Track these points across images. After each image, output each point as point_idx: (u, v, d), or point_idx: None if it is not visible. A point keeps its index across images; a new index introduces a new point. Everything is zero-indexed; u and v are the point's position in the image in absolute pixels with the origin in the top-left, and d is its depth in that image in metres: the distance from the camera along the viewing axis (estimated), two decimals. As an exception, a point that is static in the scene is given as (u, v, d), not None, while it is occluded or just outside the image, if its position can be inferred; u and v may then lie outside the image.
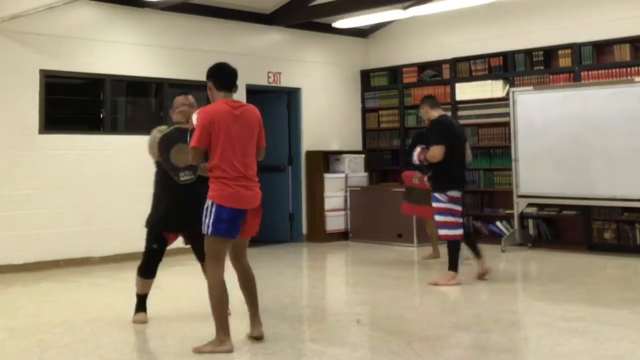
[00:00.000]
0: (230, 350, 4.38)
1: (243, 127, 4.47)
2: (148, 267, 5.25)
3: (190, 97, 5.39)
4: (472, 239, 6.97)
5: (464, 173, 6.97)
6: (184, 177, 5.00)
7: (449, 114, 10.13)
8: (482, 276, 6.78)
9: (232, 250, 4.58)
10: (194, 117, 4.61)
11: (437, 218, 6.67)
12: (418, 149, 6.82)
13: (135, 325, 5.17)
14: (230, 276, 4.58)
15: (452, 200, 6.60)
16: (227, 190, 4.35)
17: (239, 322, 4.93)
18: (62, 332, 5.02)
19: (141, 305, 5.30)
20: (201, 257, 5.16)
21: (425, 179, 7.03)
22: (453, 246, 6.62)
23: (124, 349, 4.62)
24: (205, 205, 4.38)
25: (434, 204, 6.66)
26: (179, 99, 5.35)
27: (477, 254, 6.79)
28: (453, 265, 6.60)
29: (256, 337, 4.64)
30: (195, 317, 5.33)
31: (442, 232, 6.68)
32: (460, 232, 6.62)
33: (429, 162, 6.61)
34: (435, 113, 6.81)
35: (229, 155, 4.38)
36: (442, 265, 7.29)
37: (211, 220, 4.34)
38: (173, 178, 5.03)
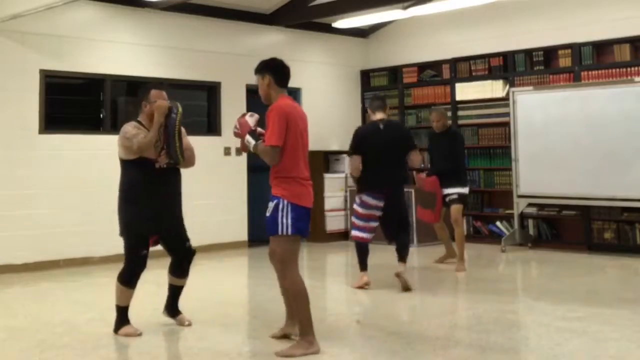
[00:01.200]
0: (318, 352, 4.28)
1: (304, 126, 4.43)
2: (135, 276, 4.93)
3: (164, 94, 5.06)
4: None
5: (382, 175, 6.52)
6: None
7: (449, 114, 10.17)
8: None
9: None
10: (249, 117, 4.43)
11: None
12: None
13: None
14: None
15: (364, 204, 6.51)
16: (300, 189, 4.30)
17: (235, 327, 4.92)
18: (62, 332, 5.02)
19: (125, 317, 4.94)
20: (185, 258, 5.06)
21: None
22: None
23: (124, 349, 4.62)
24: (279, 206, 4.25)
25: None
26: (156, 93, 5.00)
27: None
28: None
29: (290, 334, 4.61)
30: (195, 317, 5.33)
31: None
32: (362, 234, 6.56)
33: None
34: (373, 117, 6.75)
35: (300, 153, 4.33)
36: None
37: (289, 220, 4.23)
38: (152, 170, 4.87)
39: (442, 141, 7.63)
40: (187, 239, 5.08)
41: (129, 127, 4.93)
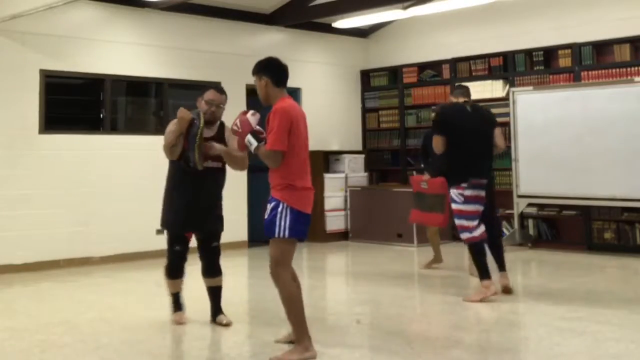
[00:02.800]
0: (315, 357, 4.20)
1: (305, 127, 4.35)
2: (174, 268, 5.11)
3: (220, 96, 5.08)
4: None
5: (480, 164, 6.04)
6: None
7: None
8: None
9: None
10: (251, 116, 4.30)
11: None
12: None
13: (135, 326, 5.16)
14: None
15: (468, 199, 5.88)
16: (302, 195, 4.23)
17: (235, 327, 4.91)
18: (62, 332, 5.02)
19: (177, 304, 5.20)
20: (206, 257, 5.11)
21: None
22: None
23: (124, 349, 4.62)
24: (278, 209, 4.18)
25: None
26: (210, 93, 5.04)
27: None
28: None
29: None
30: (196, 317, 5.33)
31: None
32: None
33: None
34: (452, 99, 6.32)
35: (304, 157, 4.27)
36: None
37: (287, 223, 4.16)
38: (187, 169, 4.91)
39: None
40: (216, 239, 5.10)
41: (169, 124, 5.05)
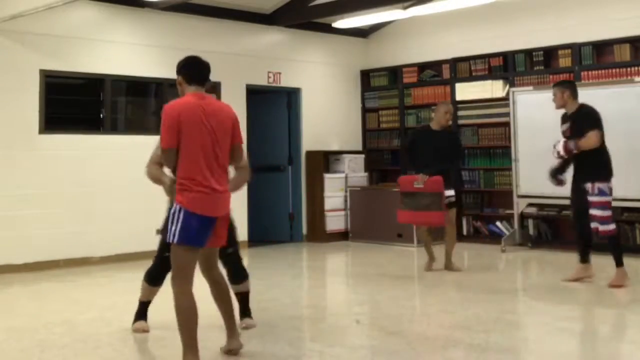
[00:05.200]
0: None
1: (215, 125, 4.02)
2: (157, 275, 4.90)
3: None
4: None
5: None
6: None
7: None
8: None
9: (202, 260, 4.20)
10: None
11: (598, 213, 6.27)
12: (561, 142, 6.41)
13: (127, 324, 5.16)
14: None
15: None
16: (197, 195, 3.92)
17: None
18: (62, 332, 5.02)
19: (143, 312, 5.02)
20: (225, 264, 4.92)
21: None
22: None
23: (124, 349, 4.62)
24: (172, 210, 3.97)
25: (597, 198, 6.25)
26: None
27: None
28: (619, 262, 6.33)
29: (234, 350, 4.34)
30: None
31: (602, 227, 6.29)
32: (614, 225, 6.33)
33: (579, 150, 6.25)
34: (575, 104, 6.49)
35: (200, 156, 3.95)
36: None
37: (178, 228, 3.89)
38: None
39: (441, 140, 7.24)
40: (230, 245, 4.74)
41: (154, 150, 4.88)
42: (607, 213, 6.26)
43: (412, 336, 4.79)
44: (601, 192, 6.23)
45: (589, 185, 6.26)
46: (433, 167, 7.12)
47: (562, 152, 6.38)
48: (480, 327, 5.05)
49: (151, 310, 5.37)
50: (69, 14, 8.14)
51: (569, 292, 6.26)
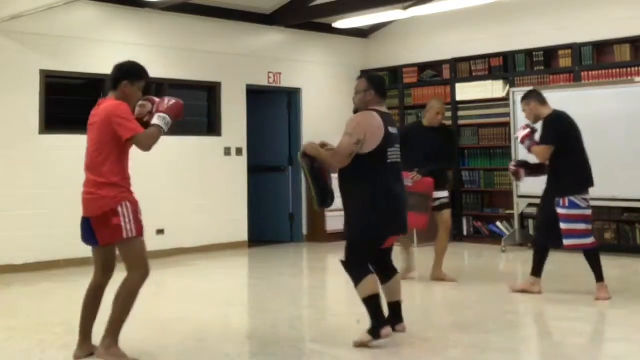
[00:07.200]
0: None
1: (89, 126, 4.43)
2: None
3: None
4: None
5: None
6: None
7: (448, 114, 10.18)
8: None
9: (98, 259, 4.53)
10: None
11: (569, 226, 5.88)
12: (526, 130, 6.07)
13: (134, 326, 5.14)
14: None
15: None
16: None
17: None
18: (62, 332, 5.02)
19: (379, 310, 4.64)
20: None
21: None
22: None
23: (124, 349, 4.61)
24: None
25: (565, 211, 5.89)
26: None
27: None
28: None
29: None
30: (194, 317, 5.33)
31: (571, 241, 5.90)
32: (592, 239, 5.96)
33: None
34: (546, 110, 6.11)
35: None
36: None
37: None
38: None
39: (434, 137, 6.77)
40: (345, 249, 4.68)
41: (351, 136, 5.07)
42: (582, 226, 5.88)
43: (412, 336, 4.78)
44: (572, 205, 5.88)
45: (558, 199, 5.93)
46: (424, 166, 6.63)
47: (518, 136, 6.15)
48: (480, 327, 5.05)
49: (151, 311, 5.36)
50: (69, 14, 8.14)
51: (569, 292, 6.26)
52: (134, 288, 4.31)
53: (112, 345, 4.21)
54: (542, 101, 6.13)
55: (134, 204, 4.30)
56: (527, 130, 6.07)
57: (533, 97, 6.15)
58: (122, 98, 4.31)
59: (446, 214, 6.92)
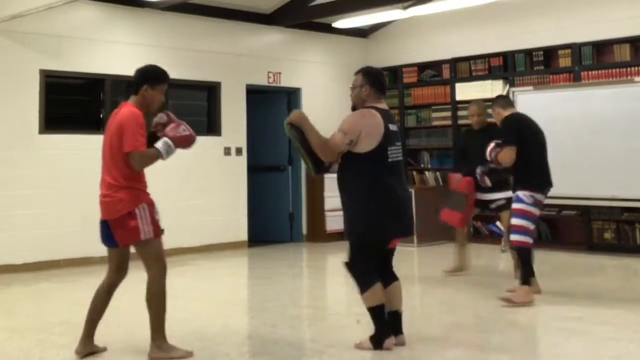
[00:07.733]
0: None
1: (106, 129, 4.40)
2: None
3: None
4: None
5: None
6: None
7: (448, 114, 10.19)
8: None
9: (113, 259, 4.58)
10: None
11: (514, 221, 5.86)
12: (492, 144, 6.10)
13: (134, 326, 5.15)
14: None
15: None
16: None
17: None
18: (62, 332, 5.02)
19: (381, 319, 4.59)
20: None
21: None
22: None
23: (124, 349, 4.62)
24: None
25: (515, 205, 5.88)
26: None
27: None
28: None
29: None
30: (194, 317, 5.33)
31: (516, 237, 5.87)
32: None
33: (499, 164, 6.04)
34: (507, 113, 6.13)
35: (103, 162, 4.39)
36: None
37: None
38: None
39: (482, 139, 6.63)
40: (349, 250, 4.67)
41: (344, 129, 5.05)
42: (523, 223, 5.78)
43: (412, 336, 4.78)
44: (518, 200, 5.83)
45: (514, 193, 5.96)
46: (468, 166, 6.80)
47: (487, 156, 6.15)
48: (480, 327, 5.05)
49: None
50: (69, 14, 8.14)
51: (569, 292, 6.26)
52: (160, 285, 4.43)
53: (163, 342, 4.37)
54: (504, 105, 6.25)
55: (151, 205, 4.32)
56: (492, 144, 6.12)
57: (497, 102, 6.37)
58: (142, 102, 4.35)
59: (504, 215, 6.82)
